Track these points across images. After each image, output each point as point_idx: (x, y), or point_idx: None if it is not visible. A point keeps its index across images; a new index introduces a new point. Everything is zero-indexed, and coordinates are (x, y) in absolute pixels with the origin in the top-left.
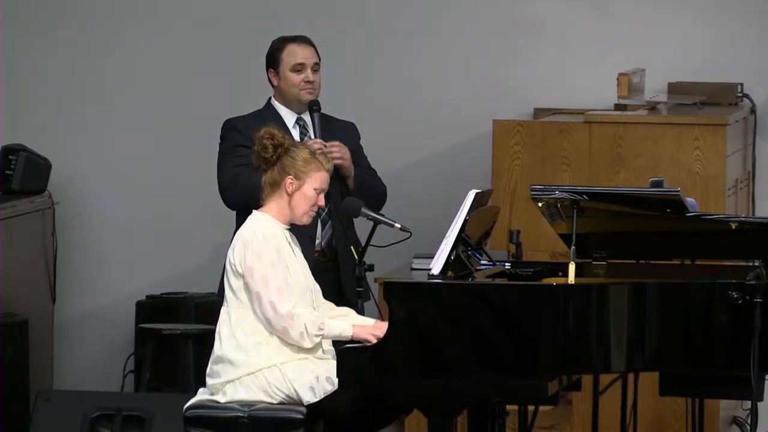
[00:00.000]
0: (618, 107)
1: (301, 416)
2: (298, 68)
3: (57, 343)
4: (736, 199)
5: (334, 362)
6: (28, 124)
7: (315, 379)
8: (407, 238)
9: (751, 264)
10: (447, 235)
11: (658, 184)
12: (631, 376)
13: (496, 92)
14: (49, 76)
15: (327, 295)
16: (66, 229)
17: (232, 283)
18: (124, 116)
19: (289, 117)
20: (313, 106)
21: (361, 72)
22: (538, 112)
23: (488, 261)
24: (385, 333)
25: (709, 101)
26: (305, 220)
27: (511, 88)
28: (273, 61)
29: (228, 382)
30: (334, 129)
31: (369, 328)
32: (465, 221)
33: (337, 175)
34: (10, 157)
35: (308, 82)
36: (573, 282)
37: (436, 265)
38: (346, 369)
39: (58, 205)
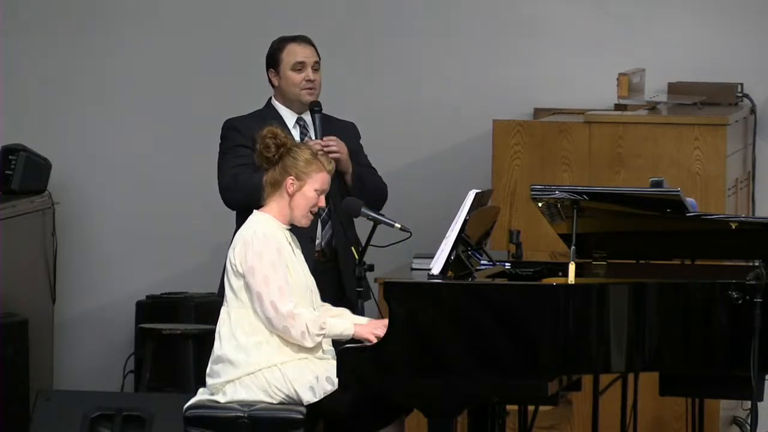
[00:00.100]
0: (618, 107)
1: (301, 416)
2: (299, 67)
3: (57, 343)
4: (736, 199)
5: (334, 362)
6: (28, 124)
7: (315, 379)
8: (407, 238)
9: (751, 264)
10: (447, 235)
11: (658, 184)
12: (631, 376)
13: (496, 92)
14: (49, 76)
15: (327, 295)
16: (66, 229)
17: (233, 282)
18: (124, 116)
19: (289, 117)
20: (315, 107)
21: (361, 72)
22: (538, 112)
23: (488, 261)
24: (385, 333)
25: (709, 101)
26: (304, 222)
27: (511, 88)
28: (273, 60)
29: (228, 382)
30: (334, 129)
31: (370, 327)
32: (465, 221)
33: (336, 174)
34: (10, 157)
35: (309, 80)
36: (573, 282)
37: (436, 265)
38: (346, 369)
39: (58, 205)
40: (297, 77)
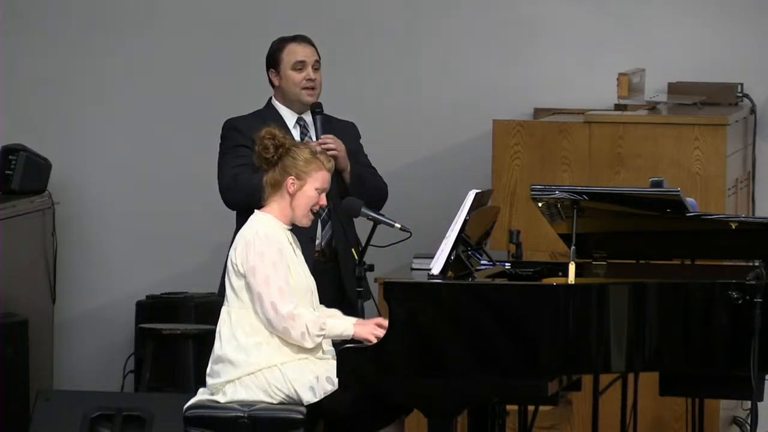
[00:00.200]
0: (618, 107)
1: (301, 416)
2: (299, 66)
3: (57, 343)
4: (736, 199)
5: (334, 362)
6: (28, 124)
7: (315, 379)
8: (407, 238)
9: (751, 264)
10: (447, 235)
11: (658, 184)
12: (631, 376)
13: (496, 92)
14: (49, 76)
15: (327, 295)
16: (66, 229)
17: (234, 282)
18: (124, 116)
19: (289, 117)
20: (316, 108)
21: (361, 72)
22: (538, 112)
23: (488, 261)
24: (386, 333)
25: (709, 101)
26: (305, 222)
27: (511, 88)
28: (273, 61)
29: (228, 382)
30: (334, 129)
31: (369, 327)
32: (465, 221)
33: (336, 174)
34: (10, 157)
35: (309, 80)
36: (573, 282)
37: (436, 265)
38: (346, 369)
39: (58, 205)
40: (297, 77)
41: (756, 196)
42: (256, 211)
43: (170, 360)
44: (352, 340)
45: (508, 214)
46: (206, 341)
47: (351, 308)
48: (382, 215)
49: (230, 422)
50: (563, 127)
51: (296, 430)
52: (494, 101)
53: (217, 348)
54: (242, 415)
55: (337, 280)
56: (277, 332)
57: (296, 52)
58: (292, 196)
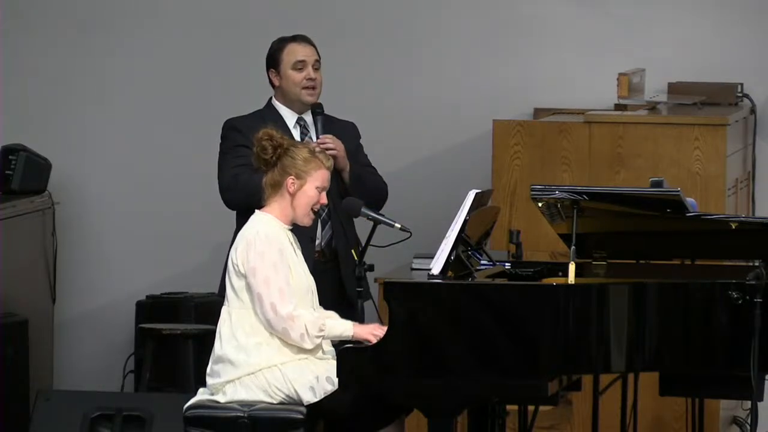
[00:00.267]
0: (618, 107)
1: (301, 416)
2: (299, 66)
3: (57, 343)
4: (736, 199)
5: (334, 362)
6: (28, 124)
7: (315, 379)
8: (407, 238)
9: (751, 264)
10: (447, 235)
11: (658, 184)
12: (631, 376)
13: (496, 92)
14: (49, 76)
15: (327, 296)
16: (66, 229)
17: (234, 283)
18: (124, 116)
19: (290, 117)
20: (317, 109)
21: (361, 72)
22: (538, 112)
23: (488, 261)
24: (385, 333)
25: (709, 101)
26: (306, 221)
27: (511, 88)
28: (273, 61)
29: (228, 382)
30: (334, 129)
31: (369, 327)
32: (465, 221)
33: (335, 174)
34: (10, 157)
35: (310, 79)
36: (573, 282)
37: (436, 265)
38: (346, 369)
39: (58, 205)
40: (298, 76)
41: (756, 196)
42: (256, 211)
43: (170, 360)
44: (352, 340)
45: (508, 214)
46: (206, 341)
47: (351, 308)
48: (382, 215)
49: (230, 422)
50: (563, 127)
51: (296, 430)
52: (494, 101)
53: (217, 348)
54: (242, 415)
55: (337, 280)
56: (276, 333)
57: (296, 51)
58: (292, 195)
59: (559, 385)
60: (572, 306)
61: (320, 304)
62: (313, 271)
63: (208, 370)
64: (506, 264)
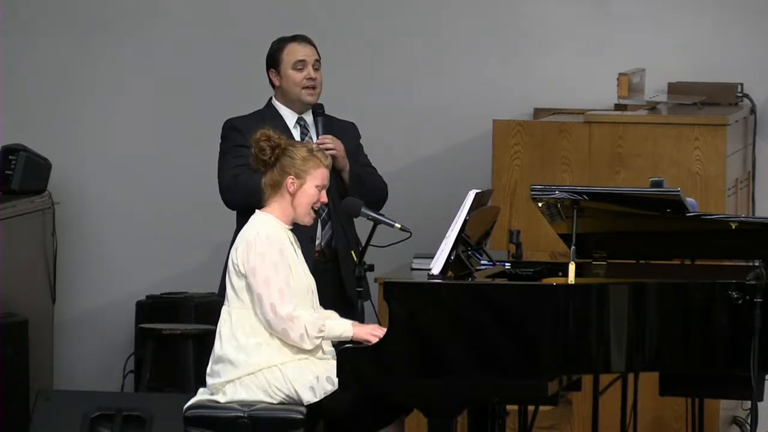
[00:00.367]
0: (618, 107)
1: (301, 416)
2: (300, 66)
3: (57, 343)
4: (736, 199)
5: (334, 362)
6: (28, 124)
7: (315, 379)
8: (407, 238)
9: (751, 264)
10: (447, 235)
11: (658, 184)
12: (631, 376)
13: (496, 92)
14: (49, 76)
15: (327, 296)
16: (66, 229)
17: (234, 283)
18: (124, 116)
19: (290, 117)
20: (317, 110)
21: (361, 72)
22: (538, 112)
23: (488, 261)
24: (385, 333)
25: (709, 101)
26: (307, 220)
27: (511, 88)
28: (273, 61)
29: (228, 382)
30: (334, 129)
31: (368, 328)
32: (465, 221)
33: (335, 174)
34: (10, 157)
35: (310, 79)
36: (573, 282)
37: (436, 265)
38: (346, 369)
39: (58, 205)
40: (298, 76)
41: (756, 196)
42: (257, 211)
43: (170, 360)
44: (352, 340)
45: (508, 214)
46: (206, 341)
47: (351, 308)
48: (382, 215)
49: (230, 422)
50: (563, 127)
51: (296, 430)
52: (494, 101)
53: (218, 348)
54: (242, 415)
55: (337, 281)
56: (276, 333)
57: (296, 51)
58: (292, 195)
59: (559, 385)
60: (572, 306)
61: (320, 304)
62: (313, 271)
63: (208, 370)
64: (506, 264)
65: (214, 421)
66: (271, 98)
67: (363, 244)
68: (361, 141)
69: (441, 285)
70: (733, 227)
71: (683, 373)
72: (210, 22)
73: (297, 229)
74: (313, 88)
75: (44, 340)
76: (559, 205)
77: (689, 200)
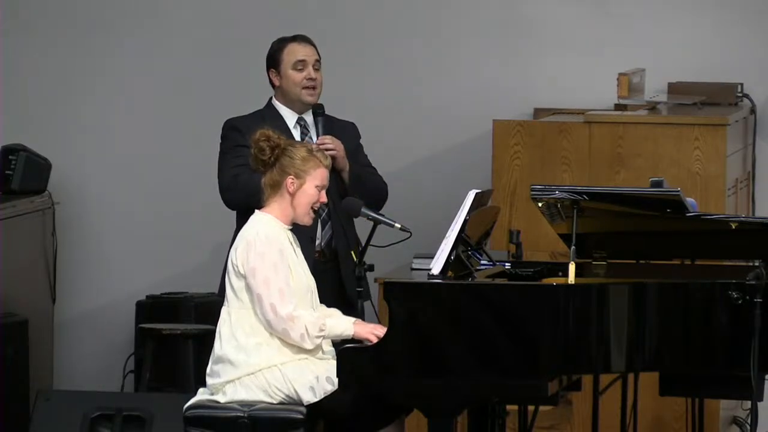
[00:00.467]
0: (618, 107)
1: (301, 416)
2: (300, 66)
3: (57, 343)
4: (736, 199)
5: (334, 362)
6: (28, 124)
7: (315, 379)
8: (407, 238)
9: (751, 264)
10: (447, 235)
11: (658, 184)
12: (631, 376)
13: (496, 92)
14: (49, 76)
15: (327, 296)
16: (66, 229)
17: (234, 283)
18: (124, 116)
19: (290, 117)
20: (318, 110)
21: (361, 72)
22: (538, 112)
23: (488, 261)
24: (385, 333)
25: (709, 101)
26: (306, 220)
27: (511, 88)
28: (274, 61)
29: (228, 382)
30: (334, 129)
31: (369, 326)
32: (465, 221)
33: (335, 174)
34: (10, 157)
35: (310, 79)
36: (573, 282)
37: (436, 265)
38: (346, 369)
39: (58, 205)
40: (298, 76)
41: (756, 196)
42: (256, 211)
43: (170, 360)
44: (352, 340)
45: (508, 214)
46: (206, 341)
47: (351, 308)
48: (382, 215)
49: (230, 422)
50: (563, 127)
51: (296, 430)
52: (494, 101)
53: (217, 348)
54: (242, 415)
55: (337, 281)
56: (276, 333)
57: (296, 51)
58: (292, 195)
59: (559, 385)
60: (572, 306)
61: (321, 304)
62: (313, 271)
63: (208, 370)
64: (506, 264)
65: (214, 421)
66: (271, 98)
67: (363, 244)
68: (361, 141)
69: (441, 285)
70: (733, 227)
71: (683, 373)
72: (210, 22)
73: (297, 229)
74: (313, 88)
75: (44, 340)
76: (559, 205)
77: (689, 200)
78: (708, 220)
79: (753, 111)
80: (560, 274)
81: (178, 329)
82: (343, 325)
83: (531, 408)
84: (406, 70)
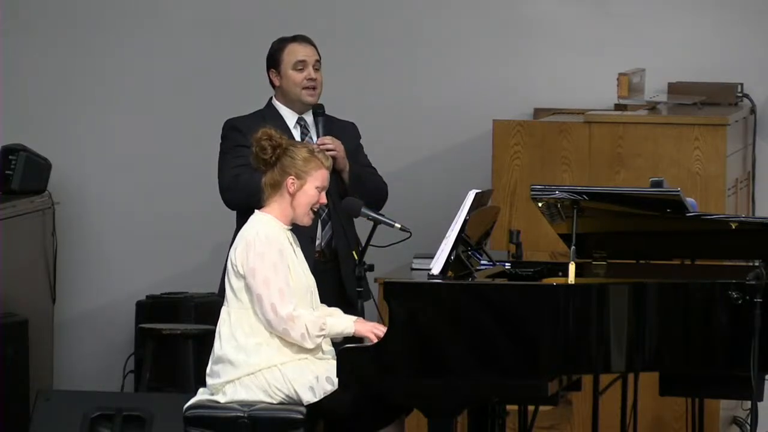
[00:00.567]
0: (618, 107)
1: (301, 416)
2: (300, 66)
3: (57, 343)
4: (736, 199)
5: (334, 362)
6: (28, 124)
7: (315, 379)
8: (407, 238)
9: (751, 264)
10: (447, 235)
11: (658, 184)
12: (631, 376)
13: (496, 92)
14: (49, 76)
15: (327, 296)
16: (66, 229)
17: (233, 283)
18: (124, 116)
19: (290, 117)
20: (318, 110)
21: (361, 72)
22: (538, 112)
23: (488, 261)
24: (386, 333)
25: (709, 101)
26: (306, 221)
27: (511, 88)
28: (274, 61)
29: (228, 382)
30: (334, 129)
31: (369, 325)
32: (465, 221)
33: (335, 174)
34: (10, 157)
35: (310, 79)
36: (573, 282)
37: (436, 265)
38: (346, 369)
39: (58, 205)
40: (298, 76)
41: (756, 196)
42: (256, 211)
43: (170, 360)
44: (353, 340)
45: (508, 214)
46: (206, 341)
47: (351, 308)
48: (382, 215)
49: (230, 422)
50: (563, 127)
51: (296, 430)
52: (494, 101)
53: (217, 348)
54: (242, 415)
55: (337, 280)
56: (277, 333)
57: (297, 52)
58: (292, 195)
59: (559, 385)
60: (572, 306)
61: (321, 303)
62: (314, 271)
63: (208, 370)
64: (506, 264)
65: (214, 421)
66: (271, 98)
67: (363, 244)
68: (361, 141)
69: (441, 285)
70: (733, 227)
71: (683, 373)
72: (210, 22)
73: (297, 229)
74: (314, 88)
75: (44, 340)
76: (559, 205)
77: (689, 200)
78: (708, 220)
79: (753, 111)
80: (560, 274)
81: (178, 329)
82: (344, 323)
83: (531, 408)
84: (406, 70)
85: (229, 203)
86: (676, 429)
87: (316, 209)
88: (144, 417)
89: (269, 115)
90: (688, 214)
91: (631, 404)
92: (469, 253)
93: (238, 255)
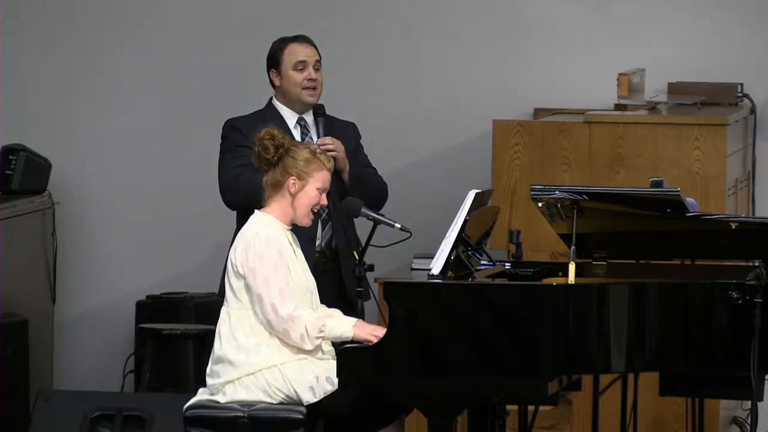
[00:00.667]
0: (618, 107)
1: (301, 416)
2: (300, 66)
3: (57, 343)
4: (736, 199)
5: (334, 362)
6: (28, 124)
7: (315, 379)
8: (407, 238)
9: (751, 264)
10: (447, 235)
11: (658, 184)
12: (631, 376)
13: (496, 92)
14: (49, 76)
15: (327, 296)
16: (66, 229)
17: (233, 283)
18: (124, 116)
19: (290, 117)
20: (318, 111)
21: (361, 72)
22: (538, 112)
23: (488, 261)
24: (385, 333)
25: (709, 101)
26: (306, 221)
27: (511, 88)
28: (274, 61)
29: (228, 382)
30: (334, 129)
31: (368, 328)
32: (465, 221)
33: (335, 174)
34: (10, 157)
35: (311, 80)
36: (573, 282)
37: (436, 265)
38: (346, 369)
39: (58, 205)
40: (299, 77)
41: (756, 196)
42: (256, 211)
43: (170, 360)
44: (353, 341)
45: (508, 214)
46: (206, 341)
47: (351, 308)
48: (382, 215)
49: (230, 422)
50: (563, 127)
51: (296, 430)
52: (494, 101)
53: (217, 348)
54: (242, 415)
55: (338, 281)
56: (277, 333)
57: (297, 52)
58: (293, 196)
59: (559, 385)
60: (572, 306)
61: (321, 304)
62: (314, 271)
63: (208, 370)
64: (506, 264)
65: (214, 421)
66: (271, 98)
67: (363, 244)
68: (361, 141)
69: (441, 285)
70: (733, 227)
71: (683, 373)
72: (210, 22)
73: (297, 229)
74: (314, 88)
75: (44, 340)
76: (559, 205)
77: (689, 200)
78: (708, 220)
79: (753, 111)
80: (560, 274)
81: (178, 329)
82: (343, 326)
83: (531, 408)
84: (406, 70)
85: (229, 203)
86: (676, 429)
87: (316, 210)
88: (144, 417)
89: (269, 115)
90: (688, 214)
91: (631, 404)
92: (469, 253)
93: (237, 255)
